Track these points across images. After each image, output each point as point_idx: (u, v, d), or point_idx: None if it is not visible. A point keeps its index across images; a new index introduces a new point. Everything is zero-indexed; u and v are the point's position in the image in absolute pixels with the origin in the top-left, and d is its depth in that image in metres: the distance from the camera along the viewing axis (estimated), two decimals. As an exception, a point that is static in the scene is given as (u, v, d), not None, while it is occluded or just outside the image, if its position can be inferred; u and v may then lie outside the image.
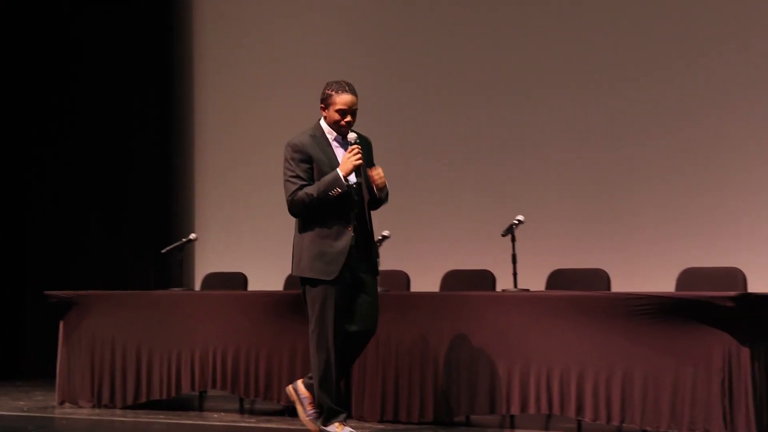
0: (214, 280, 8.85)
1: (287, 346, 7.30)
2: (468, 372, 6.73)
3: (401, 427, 6.79)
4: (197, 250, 10.29)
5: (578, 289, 7.02)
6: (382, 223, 7.92)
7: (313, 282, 6.05)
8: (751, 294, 6.32)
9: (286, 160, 6.14)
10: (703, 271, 7.30)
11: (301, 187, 6.05)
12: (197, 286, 9.59)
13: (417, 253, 9.10)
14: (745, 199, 8.54)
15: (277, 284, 8.71)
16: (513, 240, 6.82)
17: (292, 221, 10.42)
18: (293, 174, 6.09)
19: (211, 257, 10.26)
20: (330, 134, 6.18)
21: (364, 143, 6.20)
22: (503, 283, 7.75)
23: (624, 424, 6.37)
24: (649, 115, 8.91)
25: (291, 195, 6.08)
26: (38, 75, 10.99)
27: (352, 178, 6.06)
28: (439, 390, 6.82)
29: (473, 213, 9.29)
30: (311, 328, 6.09)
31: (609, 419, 6.36)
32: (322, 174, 6.05)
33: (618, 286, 7.47)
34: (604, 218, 8.88)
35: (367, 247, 6.15)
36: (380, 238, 7.31)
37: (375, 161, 6.27)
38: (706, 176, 8.68)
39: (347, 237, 6.03)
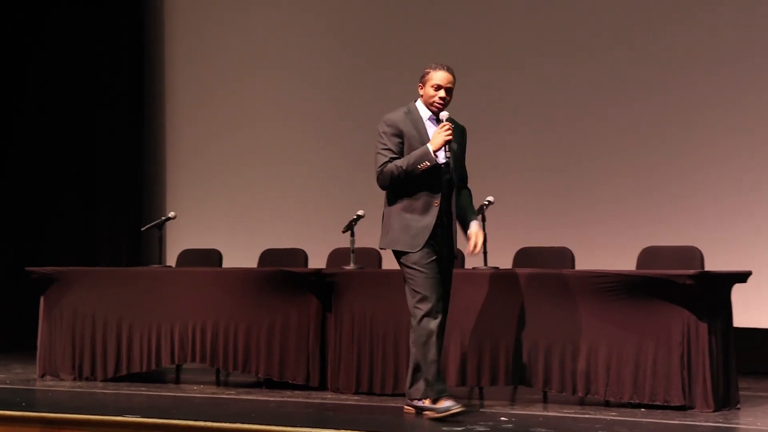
0: (190, 257, 9.05)
1: (265, 320, 7.56)
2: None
3: (376, 398, 7.06)
4: (167, 227, 10.49)
5: (544, 266, 7.30)
6: (357, 203, 8.24)
7: (405, 255, 6.19)
8: (708, 272, 6.64)
9: (378, 134, 6.27)
10: (662, 250, 7.55)
11: (391, 159, 6.16)
12: (169, 263, 9.80)
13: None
14: (702, 180, 8.87)
15: (251, 261, 8.94)
16: (483, 220, 7.09)
17: (265, 199, 10.71)
18: (384, 147, 6.21)
19: (181, 234, 10.47)
20: (425, 113, 6.27)
21: (458, 128, 6.31)
22: (472, 261, 8.05)
23: (588, 396, 6.67)
24: (610, 94, 9.23)
25: (381, 167, 6.19)
26: (5, 49, 10.96)
27: (442, 157, 6.14)
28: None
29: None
30: (416, 299, 6.19)
31: (574, 391, 6.66)
32: (413, 149, 6.15)
33: (582, 264, 7.73)
34: (568, 198, 9.20)
35: (449, 227, 6.26)
36: (355, 217, 7.58)
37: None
38: (665, 157, 9.02)
39: (433, 213, 6.15)
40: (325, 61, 10.44)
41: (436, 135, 6.14)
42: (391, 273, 7.44)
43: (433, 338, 6.08)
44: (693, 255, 7.35)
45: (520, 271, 7.00)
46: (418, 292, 6.13)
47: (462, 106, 9.53)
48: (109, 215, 10.96)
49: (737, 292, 6.86)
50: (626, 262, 7.57)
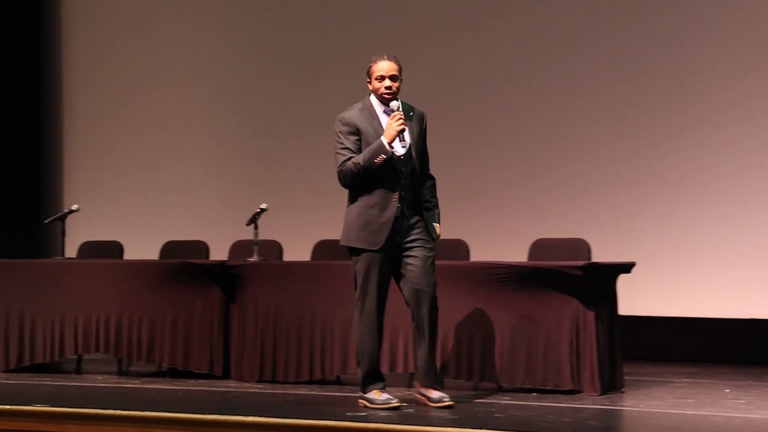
0: (91, 249, 9.13)
1: (170, 311, 7.73)
2: (341, 335, 7.27)
3: (279, 386, 7.28)
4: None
5: (441, 258, 7.55)
6: (254, 198, 8.46)
7: (359, 251, 6.19)
8: (596, 263, 6.98)
9: (335, 133, 6.29)
10: (552, 242, 7.85)
11: (350, 158, 6.16)
12: (69, 255, 9.86)
13: (289, 224, 9.59)
14: (590, 177, 9.26)
15: (152, 253, 9.07)
16: (256, 228, 7.40)
17: (166, 194, 10.86)
18: (342, 146, 6.22)
19: (80, 227, 10.51)
20: (379, 107, 6.26)
21: (416, 114, 6.29)
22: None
23: (483, 382, 6.97)
24: (504, 94, 9.54)
25: (340, 166, 6.20)
26: None
27: (400, 149, 6.15)
28: (314, 352, 7.35)
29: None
30: (356, 297, 6.25)
31: (470, 377, 6.95)
32: (370, 145, 6.16)
33: (476, 255, 8.03)
34: (463, 192, 9.51)
35: (417, 216, 6.24)
36: (258, 211, 7.78)
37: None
38: (556, 156, 9.40)
39: (393, 207, 6.13)
40: (222, 65, 10.67)
41: (388, 126, 6.13)
42: (294, 264, 7.69)
43: (367, 332, 6.23)
44: (581, 247, 7.66)
45: (418, 262, 7.25)
46: (358, 292, 6.25)
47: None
48: (5, 208, 10.95)
49: (622, 282, 7.20)
50: (518, 254, 7.88)
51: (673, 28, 9.12)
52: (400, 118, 6.13)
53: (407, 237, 6.20)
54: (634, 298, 8.09)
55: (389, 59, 6.26)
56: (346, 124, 6.28)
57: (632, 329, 8.20)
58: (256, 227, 7.75)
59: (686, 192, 9.01)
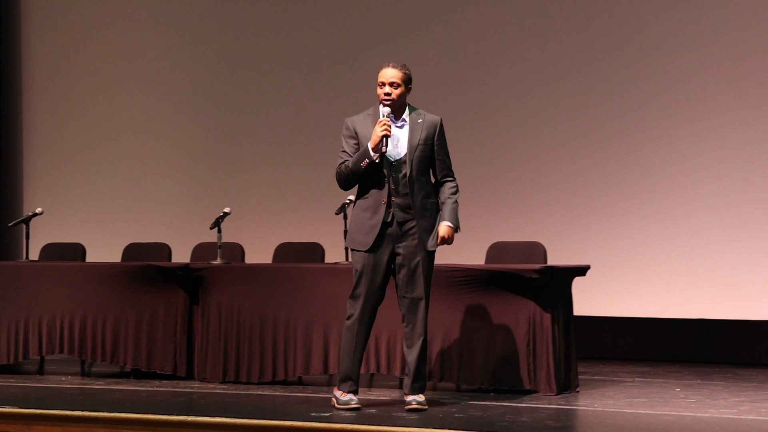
0: (53, 251, 9.20)
1: (133, 313, 7.84)
2: (304, 337, 7.42)
3: (242, 387, 7.42)
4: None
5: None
6: (219, 199, 8.59)
7: (354, 252, 6.37)
8: (552, 266, 7.18)
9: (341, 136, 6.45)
10: (509, 245, 8.00)
11: (345, 161, 6.33)
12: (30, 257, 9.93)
13: (250, 227, 9.73)
14: (545, 181, 9.48)
15: (115, 255, 9.15)
16: (345, 218, 7.51)
17: (128, 198, 10.94)
18: (342, 149, 6.37)
19: (41, 229, 10.57)
20: (384, 112, 6.32)
21: (425, 121, 6.34)
22: (332, 255, 8.49)
23: (442, 382, 7.15)
24: (456, 98, 9.70)
25: (337, 168, 6.37)
26: None
27: (394, 154, 6.25)
28: (277, 353, 7.49)
29: (304, 189, 10.05)
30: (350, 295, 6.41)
31: (429, 377, 7.01)
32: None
33: (436, 258, 8.21)
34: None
35: (415, 222, 6.30)
36: (221, 214, 7.91)
37: None
38: (511, 161, 9.61)
39: (381, 211, 6.26)
40: (181, 71, 10.82)
41: (373, 133, 6.24)
42: (257, 267, 7.83)
43: (351, 336, 6.35)
44: (537, 250, 7.82)
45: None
46: (351, 291, 6.37)
47: (321, 104, 10.10)
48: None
49: (577, 284, 7.40)
50: (476, 257, 8.07)
51: (628, 30, 9.31)
52: (384, 124, 6.21)
53: (400, 243, 6.31)
54: (589, 300, 8.29)
55: (393, 67, 6.34)
56: (347, 128, 6.43)
57: (586, 330, 8.41)
58: (219, 230, 7.89)
59: (637, 196, 9.23)
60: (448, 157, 6.46)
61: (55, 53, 11.26)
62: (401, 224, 6.30)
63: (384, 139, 6.22)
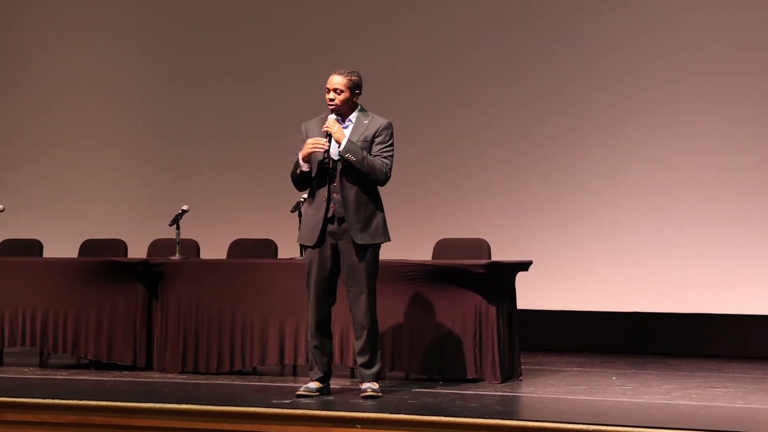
0: (11, 246, 9.42)
1: (94, 307, 8.10)
2: (260, 329, 7.73)
3: (201, 377, 7.72)
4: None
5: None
6: (172, 196, 8.85)
7: (302, 248, 6.73)
8: (497, 262, 7.56)
9: None
10: (454, 242, 8.38)
11: (296, 163, 6.64)
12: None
13: (205, 224, 10.01)
14: (489, 180, 9.84)
15: (71, 250, 9.41)
16: (300, 215, 7.80)
17: (82, 198, 11.12)
18: (297, 151, 6.65)
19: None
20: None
21: (371, 123, 6.61)
22: (285, 252, 8.81)
23: (393, 371, 7.48)
24: (403, 96, 10.06)
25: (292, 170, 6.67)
26: None
27: (335, 154, 6.51)
28: (235, 344, 7.80)
29: (256, 188, 10.36)
30: None
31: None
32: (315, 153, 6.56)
33: (383, 254, 8.50)
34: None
35: (352, 218, 6.57)
36: (180, 212, 8.20)
37: None
38: (456, 159, 9.97)
39: (323, 208, 6.55)
40: (134, 77, 11.18)
41: (305, 143, 6.57)
42: (214, 263, 8.11)
43: (311, 329, 6.70)
44: (482, 246, 8.21)
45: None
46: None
47: (274, 103, 10.39)
48: None
49: (519, 278, 7.77)
50: (423, 253, 8.43)
51: (566, 29, 9.71)
52: (314, 144, 6.51)
53: (341, 239, 6.62)
54: (531, 293, 8.60)
55: (338, 74, 6.63)
56: (301, 131, 6.75)
57: (528, 322, 8.77)
58: (178, 227, 8.17)
59: (575, 193, 9.62)
60: (388, 156, 6.66)
61: (11, 58, 11.48)
62: (341, 220, 6.60)
63: (326, 150, 6.51)
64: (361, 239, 6.61)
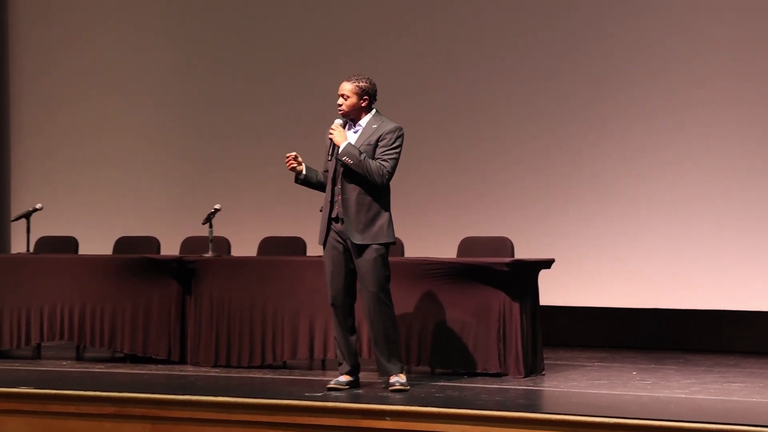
0: (48, 244, 9.64)
1: (129, 302, 8.35)
2: (290, 324, 7.96)
3: (233, 370, 7.95)
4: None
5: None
6: (203, 195, 9.04)
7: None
8: (521, 260, 7.75)
9: None
10: (478, 240, 8.54)
11: None
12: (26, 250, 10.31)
13: (236, 221, 10.19)
14: (512, 176, 9.96)
15: (106, 247, 9.65)
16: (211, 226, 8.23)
17: (116, 194, 11.34)
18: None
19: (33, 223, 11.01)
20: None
21: (378, 128, 6.78)
22: (313, 248, 9.01)
23: (419, 366, 7.66)
24: (426, 94, 10.19)
25: None
26: None
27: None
28: (266, 339, 8.03)
29: (286, 187, 10.53)
30: None
31: (407, 361, 7.58)
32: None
33: (410, 252, 8.75)
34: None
35: (352, 219, 6.75)
36: (212, 210, 8.44)
37: None
38: (480, 160, 10.09)
39: (327, 209, 6.82)
40: (168, 73, 11.31)
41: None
42: (246, 260, 8.35)
43: (333, 323, 6.95)
44: (505, 244, 8.37)
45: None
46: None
47: (302, 100, 10.55)
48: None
49: (542, 276, 7.92)
50: (448, 251, 8.61)
51: (586, 30, 9.79)
52: (291, 160, 6.96)
53: (347, 240, 6.81)
54: (553, 290, 8.72)
55: (348, 80, 6.85)
56: None
57: (550, 318, 8.92)
58: (210, 225, 8.41)
59: (597, 192, 9.68)
60: (389, 159, 6.77)
61: (43, 53, 11.69)
62: (348, 222, 6.79)
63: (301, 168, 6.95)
64: (360, 240, 6.77)
